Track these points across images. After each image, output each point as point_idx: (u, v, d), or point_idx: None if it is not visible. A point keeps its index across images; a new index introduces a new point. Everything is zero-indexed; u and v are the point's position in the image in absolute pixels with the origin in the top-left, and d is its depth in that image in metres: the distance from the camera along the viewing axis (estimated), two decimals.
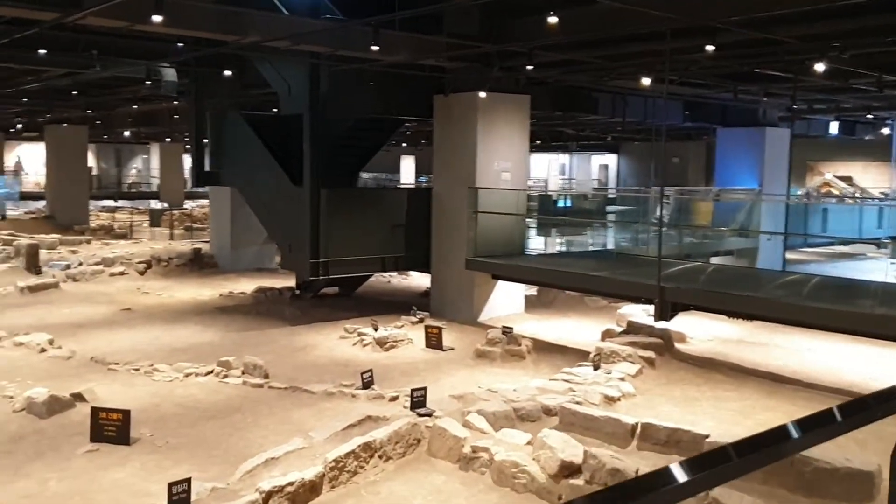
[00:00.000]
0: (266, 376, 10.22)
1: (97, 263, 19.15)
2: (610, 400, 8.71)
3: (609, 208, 23.30)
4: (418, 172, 41.49)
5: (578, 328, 13.75)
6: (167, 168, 42.49)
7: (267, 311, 14.90)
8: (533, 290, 16.02)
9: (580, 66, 13.52)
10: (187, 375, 10.31)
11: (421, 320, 13.58)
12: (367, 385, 9.56)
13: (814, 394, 9.63)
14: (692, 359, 10.98)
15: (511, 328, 11.97)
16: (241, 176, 16.11)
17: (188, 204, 39.09)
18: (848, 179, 30.99)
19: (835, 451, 6.33)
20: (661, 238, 11.74)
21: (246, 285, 17.42)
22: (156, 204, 39.65)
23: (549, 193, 31.73)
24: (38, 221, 30.31)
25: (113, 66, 14.46)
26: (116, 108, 25.69)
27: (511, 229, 14.41)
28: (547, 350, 11.97)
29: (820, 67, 11.66)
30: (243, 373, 10.34)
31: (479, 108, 13.84)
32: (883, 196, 26.73)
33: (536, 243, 19.58)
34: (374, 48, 9.62)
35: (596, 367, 9.90)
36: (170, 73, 16.25)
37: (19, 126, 34.17)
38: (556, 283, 13.97)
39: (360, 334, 12.39)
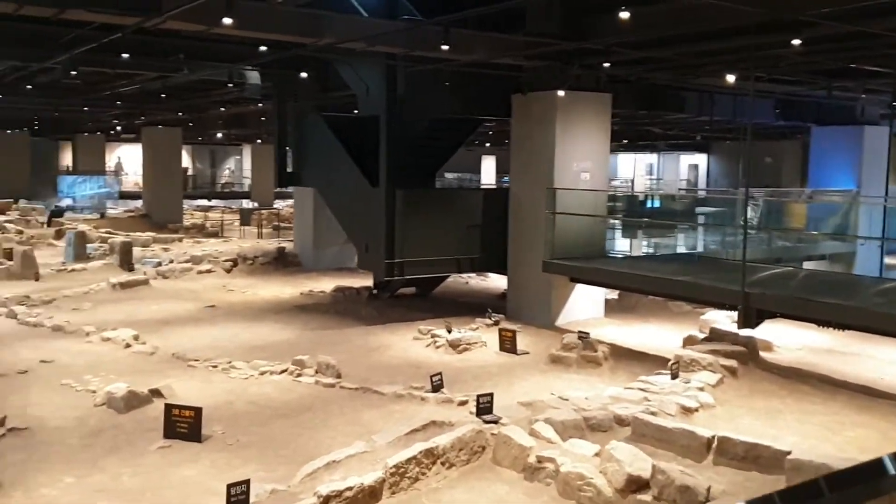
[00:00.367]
0: (338, 376, 10.27)
1: (186, 261, 19.76)
2: (687, 411, 8.36)
3: (698, 210, 22.58)
4: (499, 172, 41.27)
5: (660, 334, 13.33)
6: (258, 168, 43.63)
7: (344, 311, 15.02)
8: (614, 294, 15.65)
9: (663, 63, 13.10)
10: (262, 373, 10.46)
11: (496, 323, 13.42)
12: (436, 388, 9.47)
13: None
14: (778, 369, 10.45)
15: (587, 333, 11.68)
16: (321, 177, 16.32)
17: (277, 204, 39.98)
18: None
19: None
20: (746, 241, 11.23)
21: (326, 284, 17.64)
22: (247, 203, 40.80)
23: (635, 194, 31.01)
24: (135, 219, 31.61)
25: (199, 69, 14.87)
26: (207, 111, 26.48)
27: (591, 231, 14.09)
28: (625, 356, 11.64)
29: None
30: (317, 372, 10.41)
31: (558, 107, 13.58)
32: None
33: (620, 245, 19.16)
34: (445, 47, 9.54)
35: (674, 376, 9.52)
36: (253, 77, 16.62)
37: (118, 128, 35.67)
38: (637, 287, 13.56)
39: (433, 336, 12.33)
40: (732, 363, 9.88)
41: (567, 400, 8.51)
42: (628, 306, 15.41)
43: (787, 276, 12.00)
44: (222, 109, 25.71)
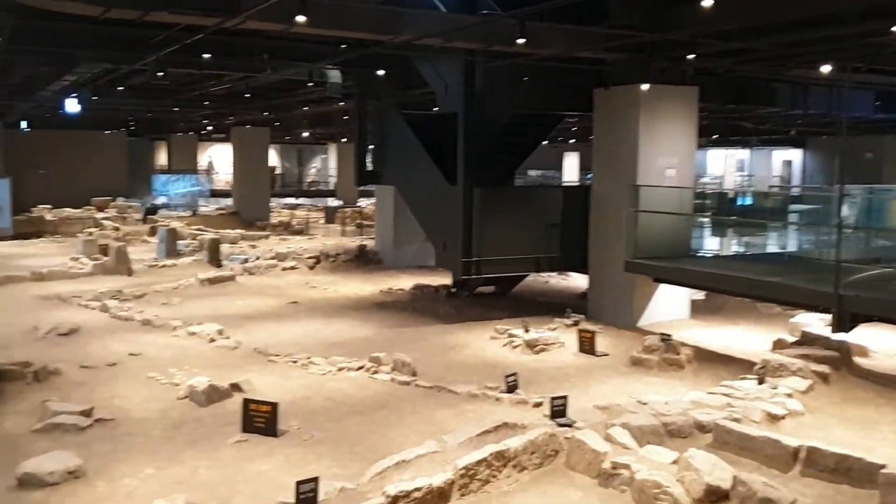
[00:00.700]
0: (414, 374, 10.26)
1: (271, 258, 20.18)
2: (773, 418, 7.96)
3: (791, 207, 21.64)
4: (583, 169, 40.67)
5: (747, 337, 12.82)
6: (343, 167, 44.33)
7: (422, 309, 15.03)
8: (700, 295, 15.15)
9: (752, 54, 12.56)
10: (340, 369, 10.54)
11: (575, 323, 13.16)
12: (511, 389, 9.34)
13: None
14: (873, 376, 9.87)
15: (670, 335, 11.33)
16: (400, 174, 16.38)
17: (362, 202, 40.55)
18: None
19: None
20: (841, 241, 10.64)
21: (405, 282, 17.70)
22: (332, 202, 41.49)
23: (724, 191, 30.02)
24: (224, 217, 32.54)
25: (282, 69, 15.13)
26: (293, 110, 26.99)
27: (676, 230, 13.65)
28: (709, 360, 11.22)
29: None
30: (393, 369, 10.43)
31: (642, 102, 13.21)
32: None
33: (707, 244, 18.53)
34: (521, 41, 9.38)
35: (760, 381, 9.10)
36: (335, 75, 16.80)
37: (209, 128, 36.79)
38: (724, 288, 13.03)
39: (510, 335, 12.18)
40: (824, 369, 9.39)
41: (646, 404, 8.24)
42: (715, 307, 14.89)
43: (885, 278, 11.32)
44: (306, 109, 26.15)
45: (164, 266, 19.87)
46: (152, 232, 25.91)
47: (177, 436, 8.06)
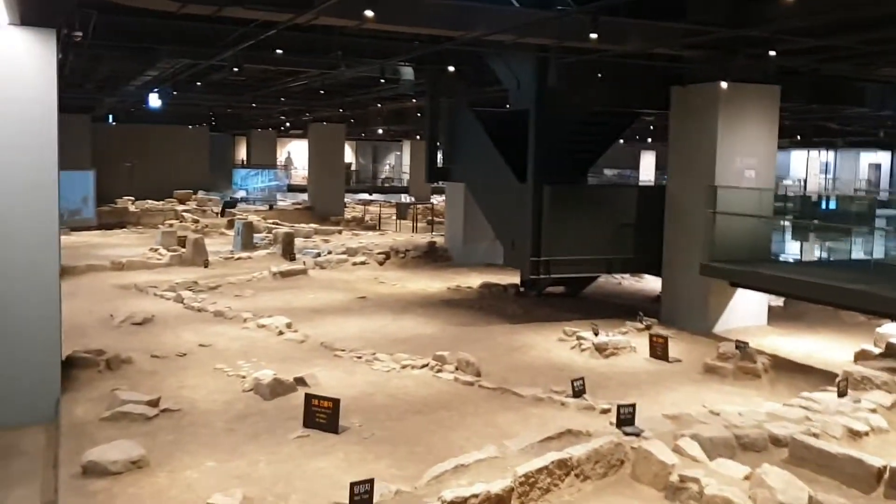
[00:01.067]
0: (478, 374, 10.11)
1: (342, 253, 20.34)
2: (854, 435, 7.52)
3: (879, 212, 20.61)
4: (660, 169, 39.79)
5: (828, 347, 12.24)
6: (416, 164, 44.51)
7: (489, 307, 14.87)
8: (779, 301, 14.56)
9: (838, 52, 11.95)
10: (404, 367, 10.48)
11: (648, 327, 12.82)
12: (577, 394, 9.09)
13: None
14: None
15: (746, 342, 10.87)
16: (469, 171, 16.24)
17: (434, 198, 40.61)
18: None
19: None
20: None
21: (473, 280, 17.57)
22: (405, 198, 41.70)
23: (807, 194, 28.88)
24: (300, 212, 33.01)
25: (356, 66, 15.17)
26: (367, 107, 27.16)
27: (754, 233, 13.12)
28: (787, 369, 10.74)
29: None
30: (457, 368, 10.30)
31: (721, 100, 12.75)
32: None
33: (788, 249, 17.81)
34: (593, 36, 9.10)
35: (842, 394, 8.63)
36: (407, 72, 16.78)
37: (287, 124, 37.41)
38: (805, 295, 12.43)
39: (579, 338, 11.91)
40: None
41: (718, 414, 7.90)
42: (795, 315, 14.29)
43: None
44: (379, 105, 26.28)
45: (239, 258, 20.23)
46: (230, 225, 26.44)
47: (239, 429, 8.11)
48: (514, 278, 16.72)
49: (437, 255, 20.71)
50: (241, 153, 48.66)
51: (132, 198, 31.53)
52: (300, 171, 46.61)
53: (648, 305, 14.74)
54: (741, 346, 10.73)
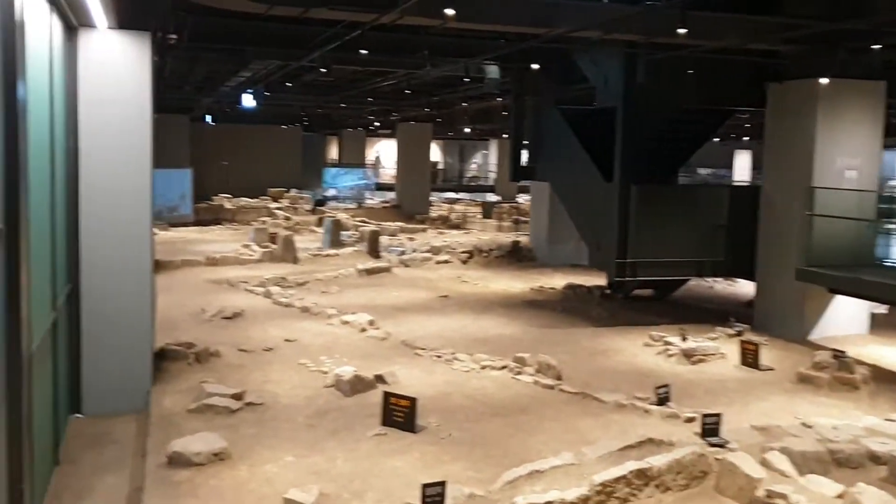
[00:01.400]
0: (558, 378, 9.94)
1: (426, 251, 20.44)
2: None
3: None
4: (756, 168, 38.40)
5: None
6: (503, 163, 44.35)
7: (573, 309, 14.63)
8: (882, 308, 13.79)
9: None
10: (483, 367, 10.40)
11: (739, 333, 12.34)
12: (661, 401, 8.82)
13: None
14: None
15: (844, 352, 10.35)
16: (554, 170, 16.04)
17: (521, 198, 40.41)
18: None
19: None
20: None
21: (557, 281, 17.34)
22: (491, 197, 41.63)
23: None
24: (387, 210, 33.41)
25: (441, 65, 15.19)
26: (453, 106, 27.21)
27: (856, 237, 12.46)
28: (889, 381, 10.16)
29: None
30: (537, 371, 10.15)
31: (820, 97, 12.15)
32: None
33: (894, 253, 16.86)
34: (681, 31, 8.79)
35: None
36: (493, 71, 16.69)
37: (376, 124, 37.90)
38: None
39: (665, 343, 11.57)
40: None
41: (811, 427, 7.52)
42: None
43: None
44: (464, 105, 26.29)
45: (327, 255, 20.57)
46: (319, 222, 26.96)
47: (319, 424, 8.20)
48: (599, 280, 16.42)
49: (521, 254, 20.56)
50: (333, 152, 49.61)
51: (228, 195, 32.56)
52: (388, 169, 47.15)
53: (741, 311, 14.21)
54: (839, 355, 10.21)
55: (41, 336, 5.99)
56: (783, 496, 5.81)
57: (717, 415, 7.03)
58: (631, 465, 6.09)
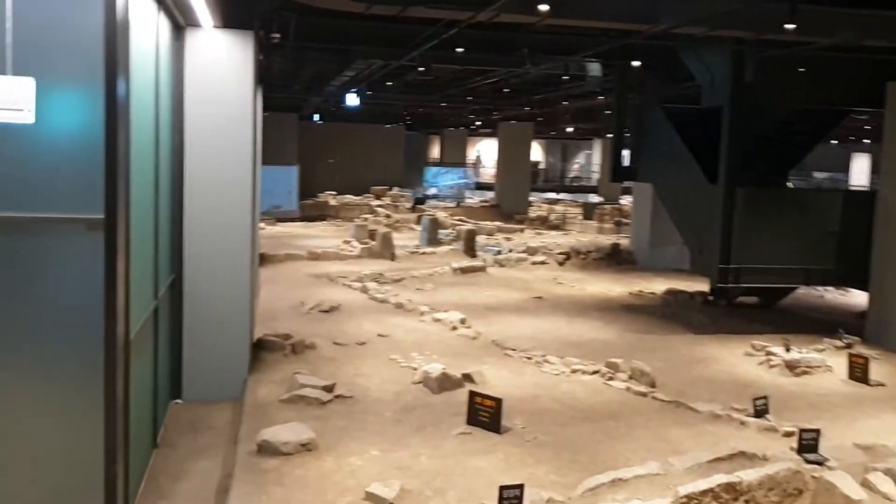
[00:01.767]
0: (652, 385, 9.67)
1: (522, 251, 20.33)
2: None
3: None
4: (875, 173, 36.35)
5: None
6: (606, 163, 43.60)
7: (672, 315, 14.21)
8: None
9: None
10: (574, 371, 10.24)
11: (848, 346, 11.70)
12: (759, 413, 8.44)
13: None
14: None
15: None
16: (656, 171, 15.61)
17: (624, 199, 39.68)
18: None
19: None
20: None
21: (658, 285, 16.90)
22: (593, 198, 41.04)
23: None
24: (485, 209, 33.43)
25: (541, 63, 15.04)
26: (555, 105, 26.94)
27: None
28: None
29: None
30: (630, 377, 9.92)
31: None
32: None
33: None
34: (789, 26, 8.37)
35: None
36: (594, 68, 16.41)
37: (477, 123, 38.00)
38: None
39: (768, 353, 11.08)
40: None
41: None
42: None
43: None
44: (565, 103, 25.98)
45: (423, 253, 20.76)
46: (419, 220, 27.25)
47: (406, 420, 8.25)
48: (702, 286, 15.90)
49: (621, 257, 20.14)
50: (434, 151, 50.05)
51: (334, 192, 33.35)
52: (489, 169, 47.21)
53: (852, 322, 13.46)
54: None
55: (141, 324, 6.25)
56: None
57: (816, 430, 6.66)
58: (719, 478, 5.84)
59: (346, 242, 21.50)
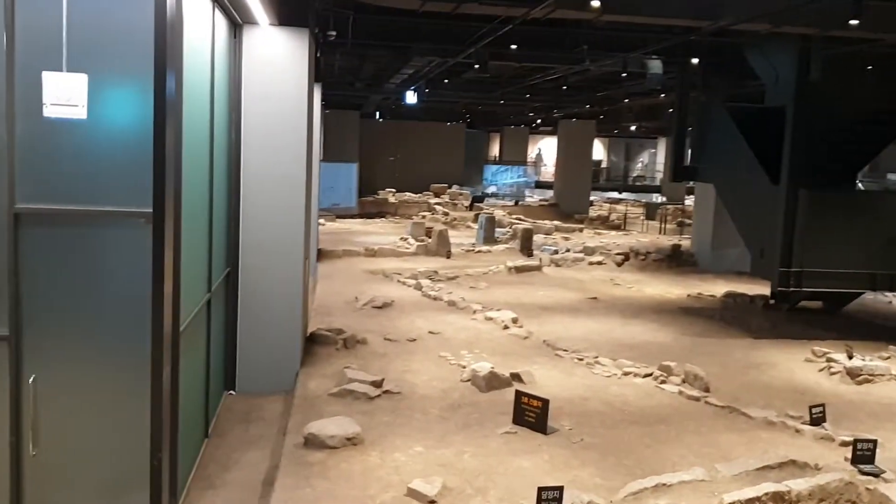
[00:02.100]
0: (706, 390, 9.46)
1: (579, 251, 20.11)
2: None
3: None
4: None
5: None
6: (669, 162, 42.84)
7: (731, 319, 13.87)
8: None
9: None
10: (625, 374, 10.09)
11: None
12: (815, 421, 8.18)
13: None
14: None
15: None
16: (718, 171, 15.25)
17: (688, 200, 38.95)
18: None
19: None
20: None
21: (718, 288, 16.53)
22: (657, 198, 40.38)
23: None
24: (544, 208, 33.22)
25: (601, 59, 14.85)
26: (617, 103, 26.59)
27: None
28: None
29: None
30: (683, 381, 9.72)
31: None
32: None
33: None
34: (853, 22, 8.07)
35: None
36: (655, 66, 16.12)
37: (538, 121, 37.75)
38: None
39: (829, 360, 10.73)
40: None
41: None
42: None
43: None
44: (627, 101, 25.59)
45: (479, 251, 20.75)
46: (476, 218, 27.25)
47: (451, 418, 8.25)
48: (763, 289, 15.48)
49: (682, 259, 19.76)
50: (494, 149, 49.95)
51: (393, 189, 33.58)
52: (549, 167, 46.90)
53: None
54: None
55: (192, 315, 6.39)
56: None
57: (873, 441, 6.42)
58: (767, 487, 5.68)
59: (403, 239, 21.62)
